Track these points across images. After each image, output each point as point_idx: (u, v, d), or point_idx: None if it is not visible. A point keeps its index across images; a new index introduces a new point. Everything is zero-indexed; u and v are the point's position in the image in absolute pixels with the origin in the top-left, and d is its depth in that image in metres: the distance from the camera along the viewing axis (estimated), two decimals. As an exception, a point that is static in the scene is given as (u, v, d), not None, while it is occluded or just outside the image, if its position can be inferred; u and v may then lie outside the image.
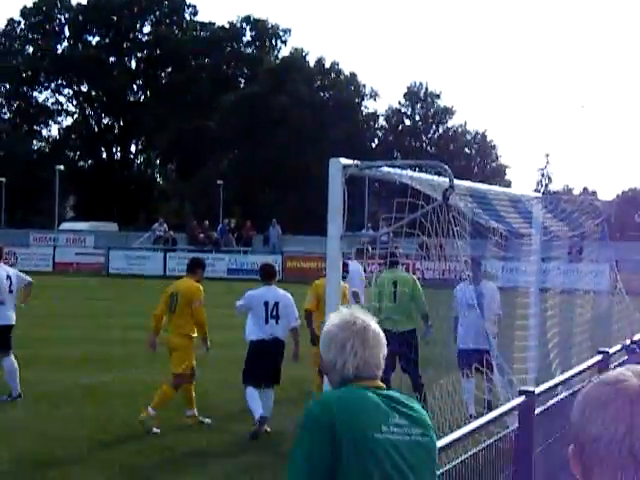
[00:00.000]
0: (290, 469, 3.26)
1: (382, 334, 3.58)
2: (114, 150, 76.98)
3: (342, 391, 3.43)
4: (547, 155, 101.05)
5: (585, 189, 77.63)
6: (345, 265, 11.37)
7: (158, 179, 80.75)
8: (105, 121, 76.92)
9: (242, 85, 73.53)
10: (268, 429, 11.10)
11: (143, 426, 10.89)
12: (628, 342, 8.43)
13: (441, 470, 4.59)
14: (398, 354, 11.12)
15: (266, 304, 11.36)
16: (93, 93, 75.14)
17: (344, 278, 9.24)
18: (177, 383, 11.61)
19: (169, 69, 75.58)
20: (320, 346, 3.59)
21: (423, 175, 7.39)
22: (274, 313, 11.35)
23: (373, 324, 3.56)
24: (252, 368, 11.34)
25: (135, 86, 76.62)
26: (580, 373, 7.73)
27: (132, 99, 76.17)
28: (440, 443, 4.48)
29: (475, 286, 11.64)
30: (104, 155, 76.60)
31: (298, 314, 11.65)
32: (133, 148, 79.14)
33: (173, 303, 11.91)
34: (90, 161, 76.55)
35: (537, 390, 6.06)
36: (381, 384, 3.52)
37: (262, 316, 11.34)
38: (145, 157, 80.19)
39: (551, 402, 6.65)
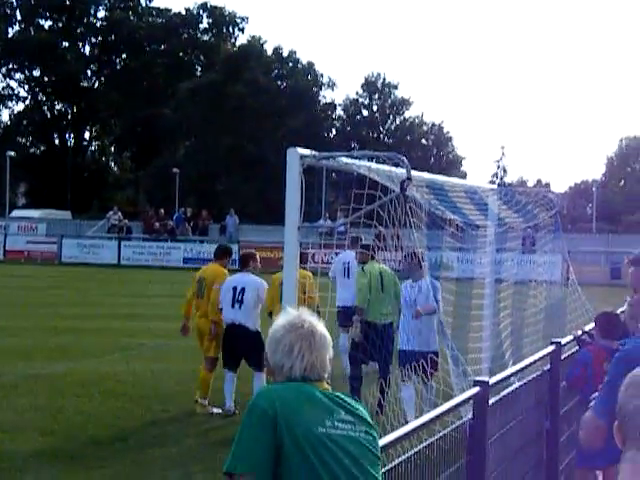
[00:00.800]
0: (232, 458, 3.27)
1: (328, 336, 3.61)
2: (67, 137, 76.02)
3: (286, 385, 3.47)
4: (502, 147, 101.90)
5: (539, 181, 78.45)
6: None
7: (113, 167, 79.99)
8: (58, 107, 75.84)
9: (199, 73, 73.02)
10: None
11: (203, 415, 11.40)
12: (579, 332, 8.52)
13: (397, 461, 4.61)
14: (379, 346, 10.97)
15: (234, 289, 11.61)
16: (45, 78, 74.00)
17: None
18: (211, 366, 11.90)
19: (124, 55, 74.77)
20: (267, 348, 3.60)
21: (381, 166, 7.41)
22: (239, 298, 11.52)
23: (320, 327, 3.59)
24: (224, 353, 11.78)
25: (89, 72, 75.64)
26: (533, 363, 7.80)
27: (86, 85, 75.15)
28: (396, 434, 4.51)
29: (413, 282, 11.10)
30: (57, 142, 75.63)
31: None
32: (87, 135, 78.26)
33: (201, 288, 12.27)
34: (42, 147, 75.55)
35: (491, 381, 6.09)
36: (327, 386, 3.56)
37: (229, 301, 11.60)
38: (99, 144, 79.34)
39: (504, 392, 6.71)
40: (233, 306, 11.59)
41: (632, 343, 3.85)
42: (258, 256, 12.37)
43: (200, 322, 12.24)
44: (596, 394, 3.78)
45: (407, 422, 10.72)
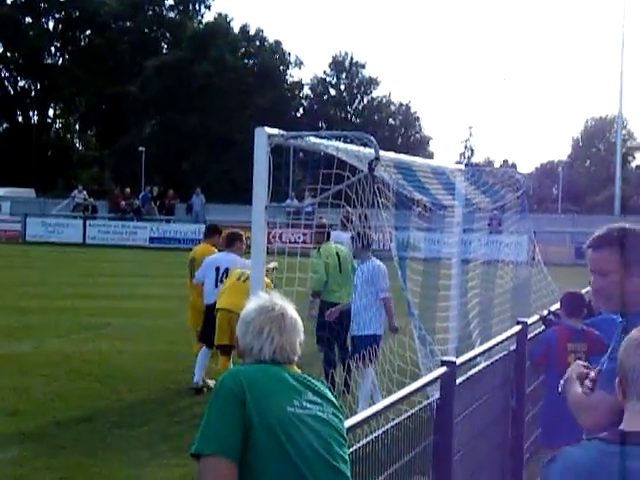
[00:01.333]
0: (199, 439, 3.25)
1: (299, 320, 3.63)
2: (31, 114, 75.16)
3: (254, 367, 3.48)
4: (470, 127, 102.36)
5: (505, 161, 78.87)
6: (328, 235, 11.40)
7: (77, 145, 79.26)
8: (21, 83, 74.99)
9: (165, 50, 72.43)
10: (209, 381, 11.42)
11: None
12: (545, 312, 8.58)
13: (364, 441, 4.62)
14: (338, 327, 10.95)
15: (217, 269, 11.60)
16: (8, 54, 73.06)
17: None
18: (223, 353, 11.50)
19: (89, 32, 73.91)
20: (237, 330, 3.61)
21: (349, 146, 7.38)
22: (222, 278, 11.48)
23: (290, 310, 3.61)
24: (204, 331, 11.56)
25: (53, 48, 74.75)
26: (499, 343, 7.85)
27: (50, 62, 74.28)
28: (364, 414, 4.52)
29: (360, 264, 10.81)
30: (20, 119, 74.76)
31: None
32: (51, 112, 77.46)
33: (192, 269, 12.28)
34: (5, 125, 74.67)
35: (458, 361, 6.12)
36: (296, 368, 3.57)
37: (212, 281, 11.61)
38: (64, 122, 78.53)
39: (472, 372, 6.75)
40: (217, 286, 11.50)
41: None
42: (245, 237, 11.86)
43: (198, 301, 12.02)
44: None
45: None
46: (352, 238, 11.04)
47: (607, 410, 3.58)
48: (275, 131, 6.90)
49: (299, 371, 3.56)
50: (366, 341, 10.18)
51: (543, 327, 8.73)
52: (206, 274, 11.70)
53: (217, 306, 11.01)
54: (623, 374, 2.64)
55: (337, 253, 11.52)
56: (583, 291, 7.82)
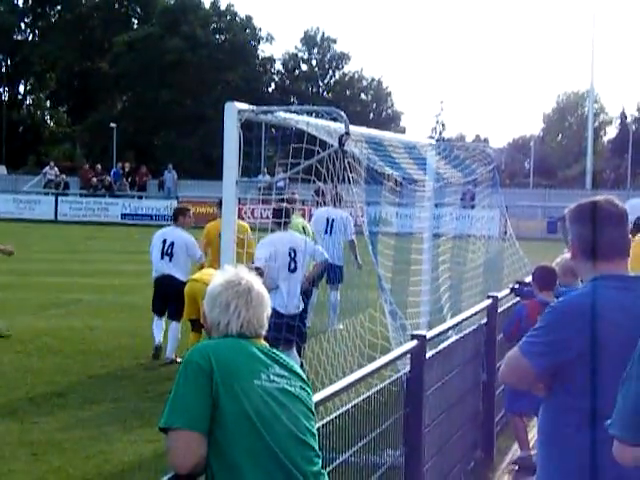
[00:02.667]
0: (168, 414, 3.26)
1: (266, 294, 3.64)
2: (1, 90, 74.37)
3: (222, 341, 3.49)
4: (441, 102, 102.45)
5: (477, 137, 78.97)
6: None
7: (48, 121, 78.52)
8: (-8, 60, 74.16)
9: (135, 26, 71.74)
10: (179, 359, 11.30)
11: None
12: (516, 285, 8.63)
13: (334, 414, 4.65)
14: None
15: (163, 242, 12.02)
16: (-22, 32, 72.17)
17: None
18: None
19: (59, 7, 73.07)
20: (204, 305, 3.62)
21: (319, 121, 7.37)
22: (168, 251, 11.97)
23: (257, 284, 3.61)
24: (154, 300, 12.24)
25: (23, 24, 73.85)
26: (470, 317, 7.90)
27: (20, 38, 73.45)
28: (334, 387, 4.54)
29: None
30: (-9, 95, 73.98)
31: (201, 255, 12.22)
32: (22, 89, 76.65)
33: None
34: (-24, 101, 73.85)
35: (428, 334, 6.16)
36: (264, 342, 3.58)
37: (158, 253, 12.03)
38: (34, 98, 77.74)
39: (442, 345, 6.79)
40: (162, 258, 12.04)
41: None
42: (191, 212, 12.70)
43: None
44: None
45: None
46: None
47: (515, 368, 3.70)
48: (245, 106, 6.89)
49: (266, 345, 3.57)
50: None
51: (515, 300, 8.80)
52: (154, 245, 12.20)
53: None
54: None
55: (303, 228, 11.57)
56: (554, 264, 7.87)
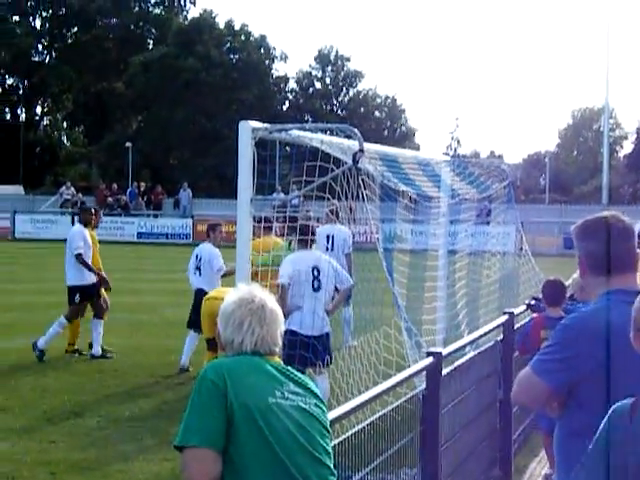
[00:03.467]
0: (183, 432, 3.25)
1: (279, 311, 3.62)
2: (19, 111, 74.89)
3: (236, 358, 3.48)
4: (457, 119, 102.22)
5: (492, 153, 78.84)
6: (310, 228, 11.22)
7: (65, 142, 78.94)
8: (9, 82, 74.73)
9: (150, 46, 72.12)
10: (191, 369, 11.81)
11: None
12: (532, 301, 8.61)
13: (349, 432, 4.63)
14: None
15: (196, 257, 12.59)
16: (-4, 53, 72.73)
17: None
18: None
19: (75, 29, 73.62)
20: (218, 323, 3.60)
21: (333, 138, 7.39)
22: (199, 266, 12.48)
23: (270, 302, 3.60)
24: (192, 313, 12.33)
25: (40, 46, 74.42)
26: (486, 334, 7.87)
27: (37, 59, 74.03)
28: (349, 405, 4.53)
29: None
30: (8, 117, 74.43)
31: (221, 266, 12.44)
32: (39, 110, 77.16)
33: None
34: (-6, 123, 74.30)
35: (444, 351, 6.13)
36: (278, 359, 3.57)
37: (193, 268, 12.62)
38: (51, 119, 78.24)
39: (458, 362, 6.76)
40: (194, 272, 12.58)
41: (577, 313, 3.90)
42: (222, 227, 13.34)
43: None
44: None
45: None
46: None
47: (526, 387, 3.68)
48: (259, 124, 6.91)
49: (280, 362, 3.56)
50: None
51: (532, 315, 8.77)
52: (190, 262, 12.75)
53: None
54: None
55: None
56: (569, 280, 7.85)
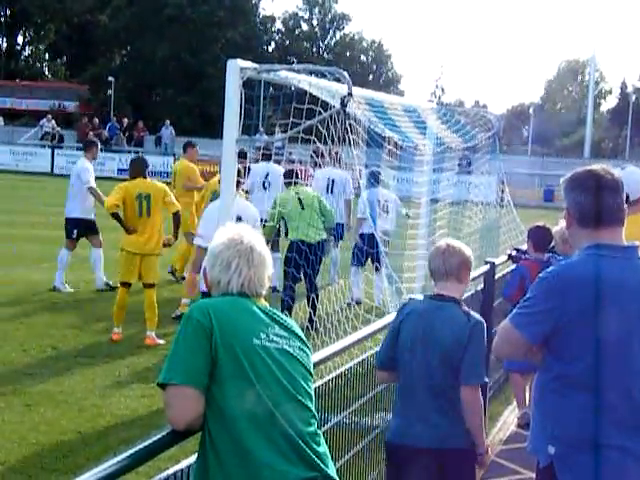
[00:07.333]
0: (167, 370, 3.25)
1: (268, 254, 3.61)
2: (0, 40, 73.77)
3: (222, 299, 3.47)
4: (442, 66, 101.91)
5: (477, 102, 78.68)
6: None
7: (46, 73, 77.96)
8: (-10, 10, 73.43)
9: (136, -21, 71.05)
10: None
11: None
12: (514, 252, 8.64)
13: (328, 377, 4.67)
14: (304, 265, 10.96)
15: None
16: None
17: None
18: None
19: (59, -43, 72.29)
20: (205, 262, 3.60)
21: (322, 81, 7.31)
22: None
23: (259, 243, 3.59)
24: None
25: (23, -26, 73.08)
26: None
27: (20, -13, 72.68)
28: (329, 350, 4.55)
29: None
30: (-11, 45, 73.36)
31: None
32: (20, 39, 76.06)
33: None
34: (-26, 51, 73.26)
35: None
36: (264, 302, 3.56)
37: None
38: (33, 49, 77.17)
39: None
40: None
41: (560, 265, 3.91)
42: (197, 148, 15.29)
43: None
44: None
45: (352, 299, 11.93)
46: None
47: (506, 340, 3.72)
48: (247, 64, 6.81)
49: (267, 304, 3.56)
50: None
51: (513, 265, 8.81)
52: None
53: None
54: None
55: (299, 198, 11.33)
56: (553, 231, 7.88)
